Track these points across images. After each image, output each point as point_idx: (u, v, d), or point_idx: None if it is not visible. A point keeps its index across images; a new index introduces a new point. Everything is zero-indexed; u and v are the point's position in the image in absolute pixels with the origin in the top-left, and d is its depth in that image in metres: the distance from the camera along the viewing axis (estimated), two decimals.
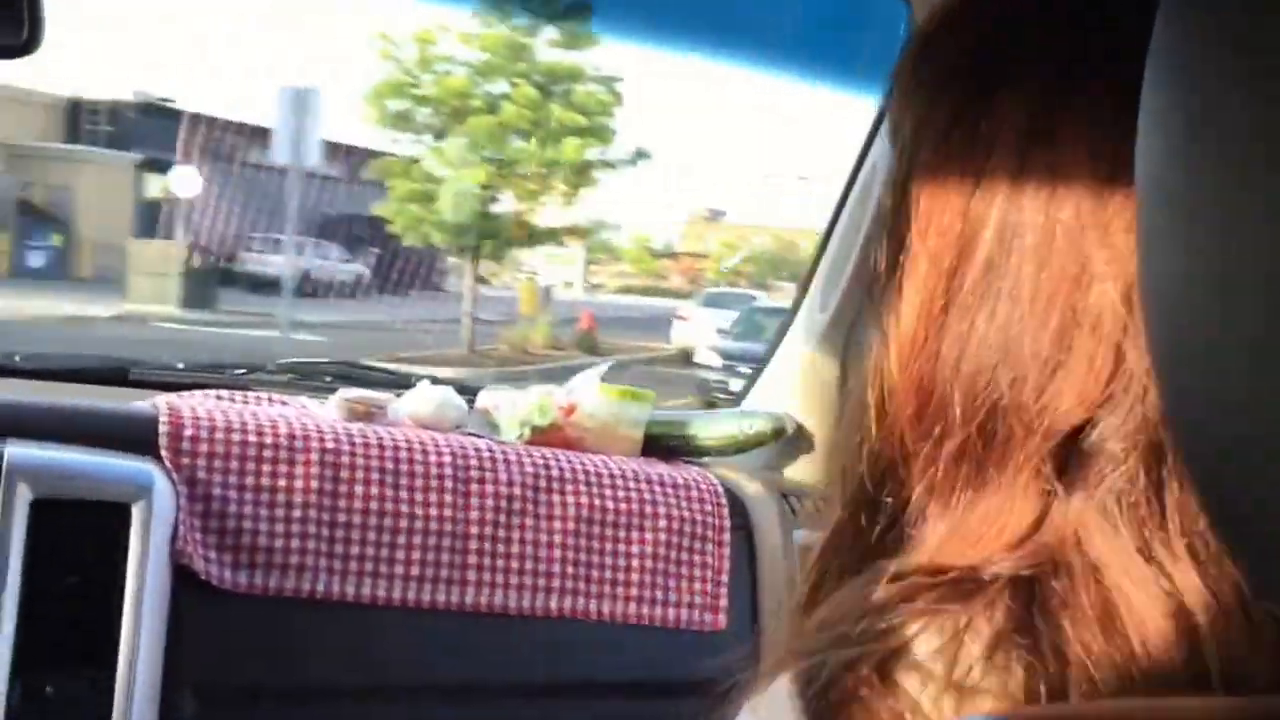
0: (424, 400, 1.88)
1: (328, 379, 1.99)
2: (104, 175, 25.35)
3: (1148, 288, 0.45)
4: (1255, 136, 0.38)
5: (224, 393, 1.82)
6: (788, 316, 2.13)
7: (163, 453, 1.56)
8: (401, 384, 1.97)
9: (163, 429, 1.58)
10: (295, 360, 2.03)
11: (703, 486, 1.83)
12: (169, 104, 27.37)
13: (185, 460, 1.57)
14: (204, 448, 1.59)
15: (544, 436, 1.92)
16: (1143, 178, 0.44)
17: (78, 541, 1.45)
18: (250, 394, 1.85)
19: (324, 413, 1.81)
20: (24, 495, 1.42)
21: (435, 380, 1.95)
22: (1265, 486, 0.39)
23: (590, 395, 1.98)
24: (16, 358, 1.83)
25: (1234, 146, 0.38)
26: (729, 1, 2.00)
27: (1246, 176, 0.38)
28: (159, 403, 1.65)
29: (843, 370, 1.98)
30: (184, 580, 1.51)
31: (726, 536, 1.79)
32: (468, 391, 1.99)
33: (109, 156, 26.06)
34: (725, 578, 1.77)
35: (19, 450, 1.46)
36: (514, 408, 1.97)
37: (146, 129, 26.32)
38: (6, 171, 24.06)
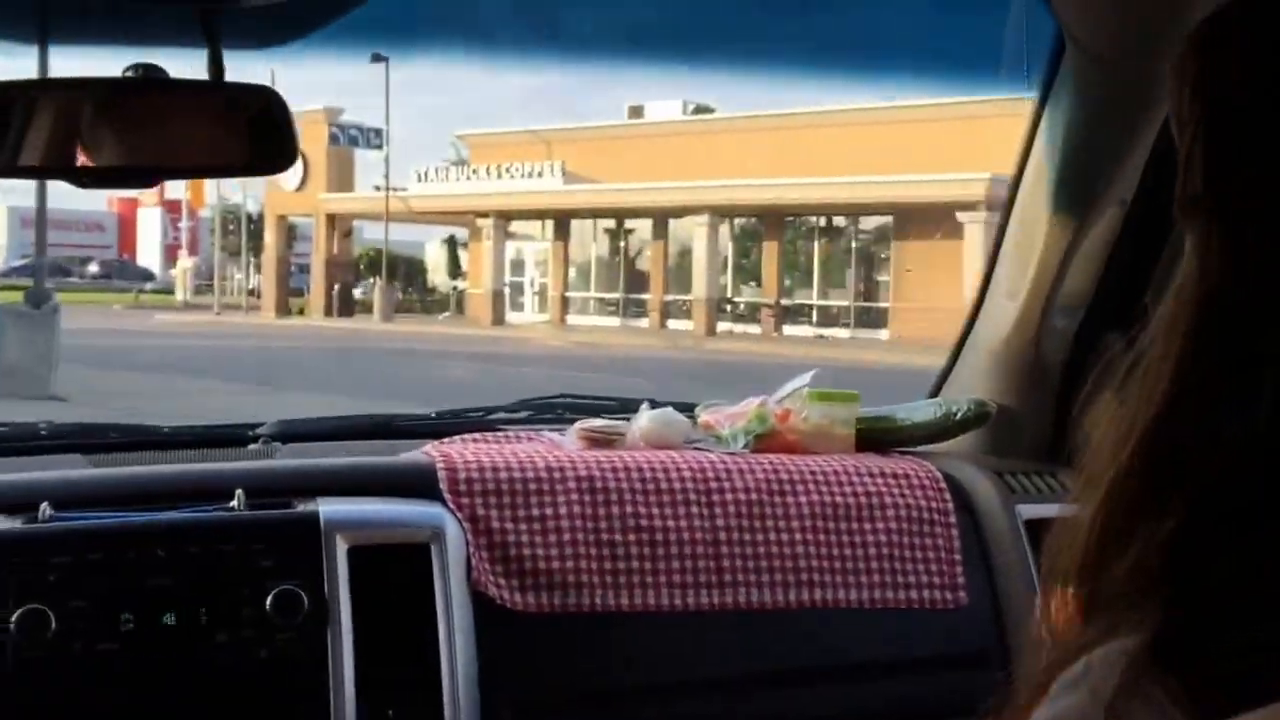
0: (653, 422, 2.05)
1: (559, 411, 2.17)
2: None
3: None
4: None
5: (476, 435, 2.01)
6: (974, 304, 2.24)
7: (445, 495, 1.75)
8: (624, 409, 2.14)
9: (441, 475, 1.77)
10: (528, 398, 2.22)
11: (922, 475, 1.96)
12: None
13: (465, 500, 1.76)
14: (478, 487, 1.77)
15: (765, 443, 2.07)
16: None
17: (390, 581, 1.64)
18: (498, 433, 2.04)
19: (566, 443, 1.99)
20: (341, 545, 1.63)
21: (654, 403, 2.11)
22: None
23: (800, 400, 2.13)
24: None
25: None
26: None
27: None
28: (431, 451, 1.85)
29: (1038, 353, 2.09)
30: (481, 606, 1.70)
31: (953, 519, 1.92)
32: (685, 408, 2.15)
33: None
34: (959, 557, 1.90)
35: (330, 507, 1.66)
36: (733, 419, 2.12)
37: None
38: None
